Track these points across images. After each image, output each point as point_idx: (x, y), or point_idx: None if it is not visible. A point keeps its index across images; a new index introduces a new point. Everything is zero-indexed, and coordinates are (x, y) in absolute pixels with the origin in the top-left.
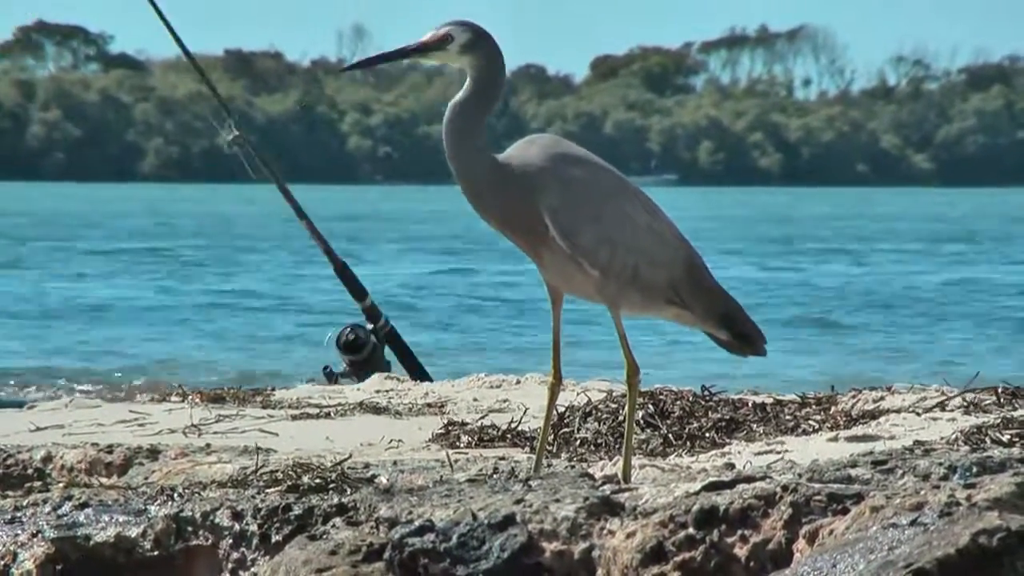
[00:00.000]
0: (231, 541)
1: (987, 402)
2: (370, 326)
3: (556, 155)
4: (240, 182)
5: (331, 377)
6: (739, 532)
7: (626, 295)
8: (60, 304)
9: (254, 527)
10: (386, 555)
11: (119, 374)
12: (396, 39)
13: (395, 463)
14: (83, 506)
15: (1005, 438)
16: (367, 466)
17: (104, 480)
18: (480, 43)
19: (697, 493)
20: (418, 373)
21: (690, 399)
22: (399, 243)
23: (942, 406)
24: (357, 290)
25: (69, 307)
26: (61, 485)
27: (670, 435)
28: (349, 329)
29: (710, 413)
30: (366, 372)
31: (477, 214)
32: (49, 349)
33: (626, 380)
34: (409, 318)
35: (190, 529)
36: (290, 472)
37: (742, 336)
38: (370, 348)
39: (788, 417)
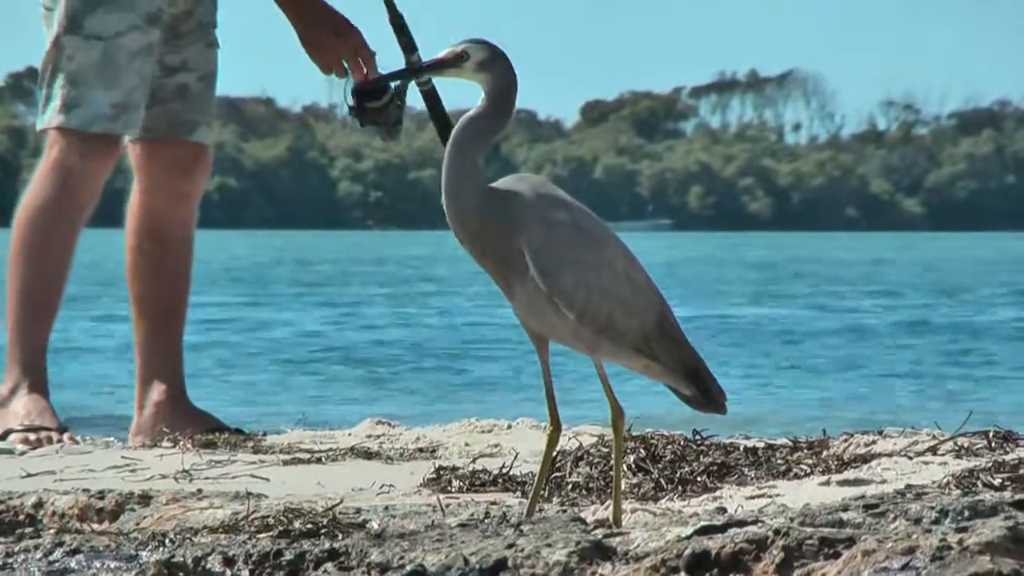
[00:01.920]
0: None
1: (978, 446)
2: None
3: (544, 196)
4: (222, 227)
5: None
6: None
7: (598, 341)
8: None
9: (246, 573)
10: None
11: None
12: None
13: (386, 508)
14: (74, 552)
15: (996, 482)
16: (358, 511)
17: (95, 526)
18: (496, 62)
19: (689, 537)
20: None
21: (681, 443)
22: (388, 287)
23: (933, 450)
24: (408, 42)
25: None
26: (52, 531)
27: (661, 479)
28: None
29: (701, 457)
30: (384, 122)
31: (454, 234)
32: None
33: (611, 424)
34: (401, 363)
35: (182, 575)
36: (281, 517)
37: (705, 393)
38: (390, 96)
39: (779, 461)
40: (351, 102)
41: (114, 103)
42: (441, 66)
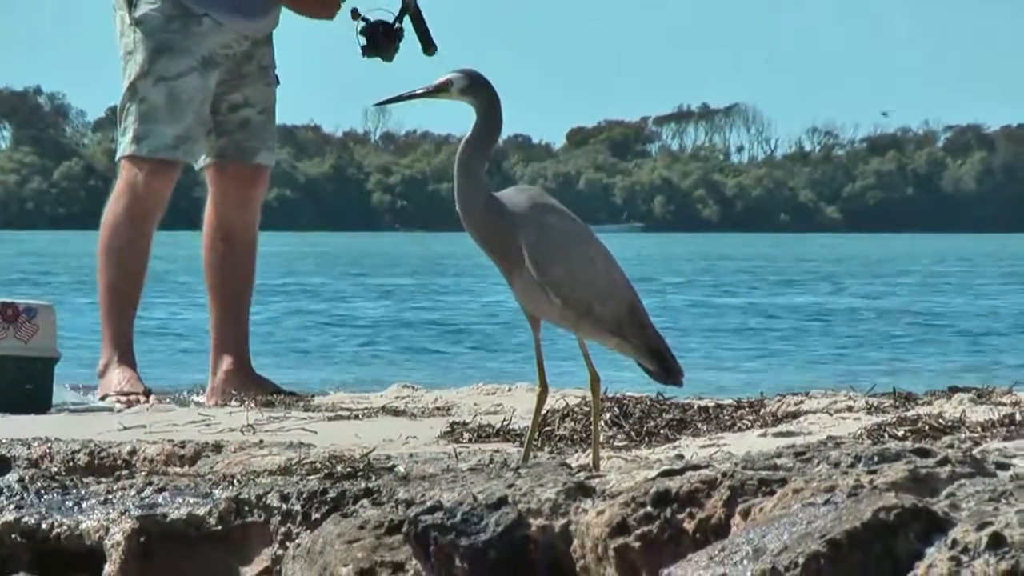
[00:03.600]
0: (279, 518)
1: (885, 404)
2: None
3: (539, 204)
4: (280, 230)
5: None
6: (688, 510)
7: (580, 322)
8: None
9: (298, 507)
10: (404, 529)
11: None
12: (411, 113)
13: (411, 455)
14: (161, 490)
15: (900, 433)
16: (388, 458)
17: (178, 469)
18: (475, 86)
19: (654, 479)
20: (429, 41)
21: (648, 403)
22: (412, 277)
23: (849, 408)
24: None
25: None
26: (144, 473)
27: (632, 432)
28: (372, 23)
29: (664, 414)
30: (384, 51)
31: (468, 233)
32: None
33: (590, 388)
34: (420, 333)
35: (247, 509)
36: (326, 463)
37: (666, 369)
38: (390, 36)
39: (726, 417)
40: (364, 43)
41: (176, 135)
42: (435, 91)
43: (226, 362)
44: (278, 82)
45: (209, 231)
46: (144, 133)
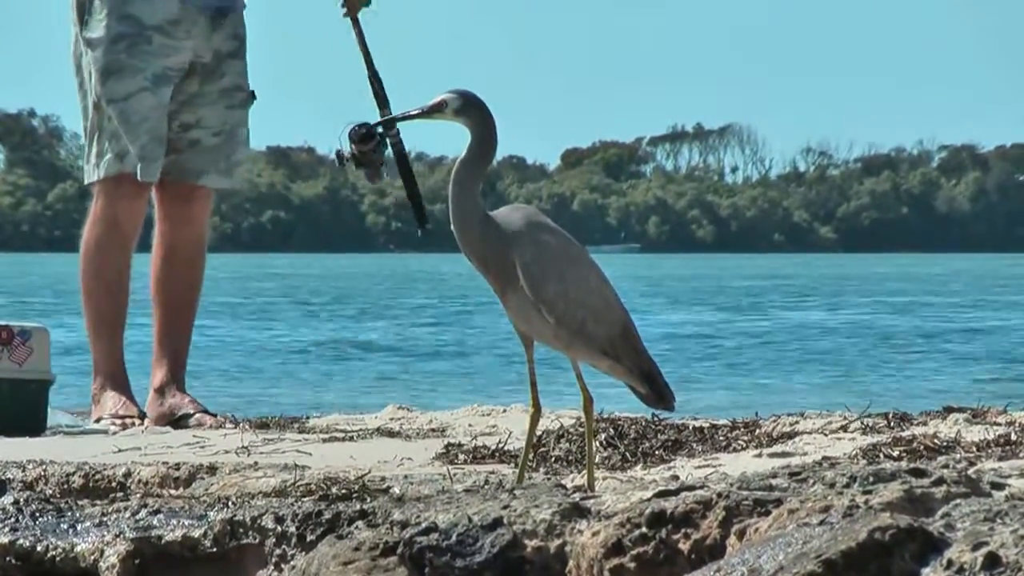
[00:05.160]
0: (274, 540)
1: (880, 425)
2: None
3: (534, 222)
4: (275, 251)
5: (340, 158)
6: (683, 531)
7: (573, 342)
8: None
9: (293, 529)
10: (399, 550)
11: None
12: (405, 134)
13: (406, 477)
14: (156, 512)
15: (895, 454)
16: (383, 479)
17: (173, 492)
18: (469, 107)
19: (649, 499)
20: (416, 195)
21: (643, 424)
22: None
23: (844, 428)
24: (382, 97)
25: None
26: (138, 495)
27: (627, 453)
28: (359, 124)
29: (659, 435)
30: (371, 164)
31: (463, 253)
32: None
33: (583, 409)
34: (414, 355)
35: (242, 531)
36: (321, 484)
37: (658, 393)
38: (376, 142)
39: (721, 438)
40: (351, 148)
41: (139, 155)
42: (430, 112)
43: (158, 376)
44: (254, 98)
45: (156, 247)
46: (123, 150)
